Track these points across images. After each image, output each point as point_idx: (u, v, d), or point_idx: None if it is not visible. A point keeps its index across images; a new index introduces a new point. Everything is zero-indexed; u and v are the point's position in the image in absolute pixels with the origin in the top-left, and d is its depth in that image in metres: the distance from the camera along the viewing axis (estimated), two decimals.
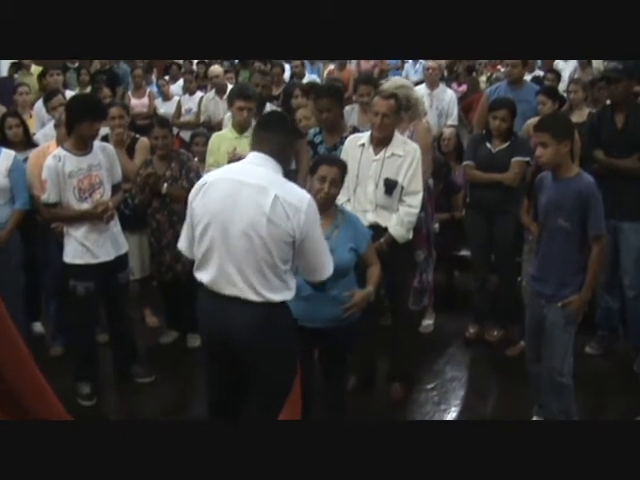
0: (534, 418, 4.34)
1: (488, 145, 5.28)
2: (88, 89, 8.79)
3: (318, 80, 9.82)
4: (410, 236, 4.52)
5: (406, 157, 4.41)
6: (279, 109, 5.80)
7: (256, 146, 3.21)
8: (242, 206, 3.03)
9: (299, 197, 3.05)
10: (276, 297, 3.09)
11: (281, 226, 2.99)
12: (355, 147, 4.49)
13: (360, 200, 4.46)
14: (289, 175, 5.27)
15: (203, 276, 3.19)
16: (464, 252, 5.96)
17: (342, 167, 3.72)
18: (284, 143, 3.20)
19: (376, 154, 4.43)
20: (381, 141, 4.42)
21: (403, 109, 4.73)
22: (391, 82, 5.46)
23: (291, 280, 3.15)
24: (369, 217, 4.41)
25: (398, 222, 4.41)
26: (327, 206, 3.68)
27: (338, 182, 3.68)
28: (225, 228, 3.06)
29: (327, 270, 3.20)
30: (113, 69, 10.09)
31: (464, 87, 9.57)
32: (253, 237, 3.01)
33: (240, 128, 5.12)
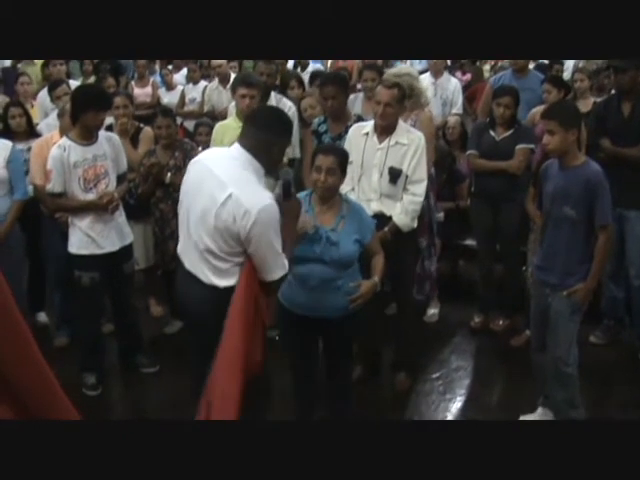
0: (539, 409, 4.35)
1: (492, 133, 5.26)
2: (91, 79, 8.77)
3: (322, 69, 9.80)
4: (415, 225, 4.51)
5: (410, 145, 4.39)
6: (284, 98, 5.76)
7: (240, 138, 3.21)
8: (201, 194, 3.15)
9: (253, 202, 3.00)
10: (221, 282, 3.14)
11: (227, 223, 3.03)
12: (359, 136, 4.47)
13: (364, 189, 4.44)
14: (293, 164, 5.30)
15: (178, 247, 3.41)
16: (469, 241, 5.96)
17: (340, 155, 3.64)
18: (266, 142, 3.14)
19: (380, 143, 4.41)
20: (385, 130, 4.39)
21: (406, 97, 4.71)
22: (396, 69, 5.44)
23: (238, 270, 3.13)
24: (373, 206, 4.39)
25: (402, 211, 4.40)
26: (329, 196, 3.65)
27: (336, 170, 3.59)
28: (188, 210, 3.25)
29: (272, 275, 3.14)
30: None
31: (468, 76, 9.54)
32: (204, 225, 3.12)
33: (243, 115, 5.08)
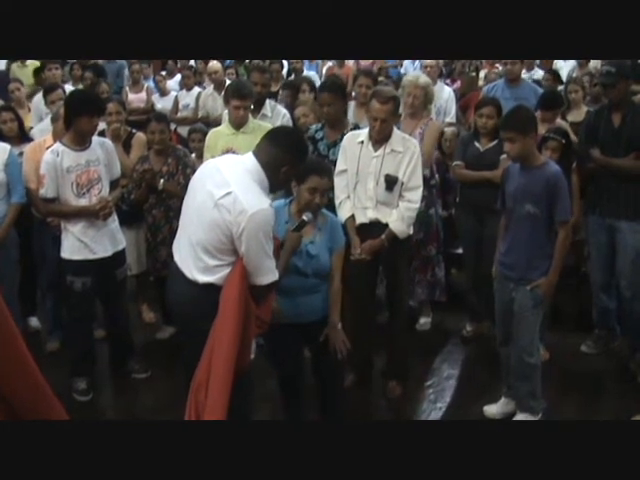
0: (502, 399, 4.49)
1: (476, 144, 5.28)
2: (81, 84, 8.74)
3: (316, 76, 9.81)
4: (410, 231, 4.54)
5: (406, 153, 4.41)
6: (279, 106, 5.76)
7: (255, 149, 3.27)
8: (203, 189, 3.20)
9: (252, 204, 3.05)
10: (202, 278, 3.18)
11: (223, 217, 3.07)
12: (354, 144, 4.48)
13: (360, 197, 4.46)
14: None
15: (173, 243, 3.46)
16: (460, 250, 5.96)
17: (331, 174, 3.75)
18: (278, 160, 3.20)
19: (376, 150, 4.42)
20: (380, 139, 4.41)
21: (427, 103, 5.03)
22: (420, 79, 5.40)
23: (224, 270, 3.16)
24: (369, 214, 4.43)
25: (399, 218, 4.41)
26: (316, 215, 3.70)
27: (328, 191, 3.71)
28: (188, 205, 3.32)
29: (262, 278, 3.17)
30: (97, 63, 9.97)
31: (458, 83, 9.53)
32: (200, 218, 3.17)
33: (236, 125, 5.10)
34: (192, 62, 11.12)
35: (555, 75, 8.03)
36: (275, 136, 3.32)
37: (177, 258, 3.33)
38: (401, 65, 11.28)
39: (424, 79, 5.38)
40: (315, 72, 10.63)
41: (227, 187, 3.10)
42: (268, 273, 3.18)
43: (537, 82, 7.69)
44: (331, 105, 4.84)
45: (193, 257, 3.20)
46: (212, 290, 3.14)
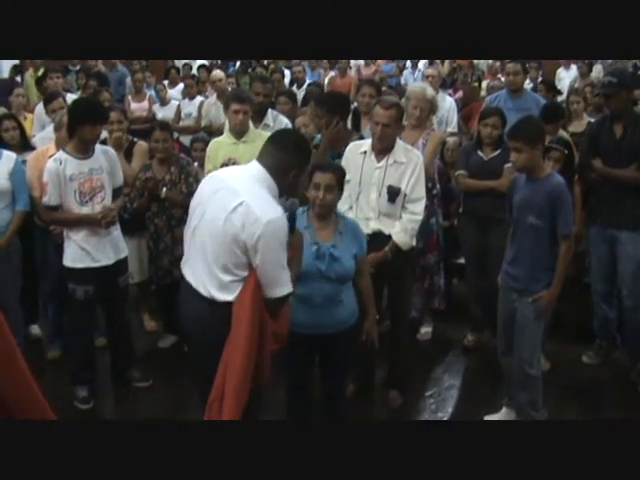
0: (503, 409, 4.51)
1: (480, 153, 5.28)
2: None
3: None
4: (414, 243, 4.54)
5: (409, 164, 4.40)
6: (280, 115, 5.77)
7: (259, 156, 3.22)
8: (212, 204, 3.14)
9: (265, 211, 3.00)
10: (220, 296, 3.10)
11: (236, 229, 3.01)
12: (357, 154, 4.47)
13: (363, 208, 4.45)
14: None
15: (182, 260, 3.38)
16: (462, 260, 5.96)
17: (337, 172, 3.66)
18: (285, 162, 3.14)
19: (378, 162, 4.42)
20: (383, 148, 4.42)
21: (432, 113, 5.08)
22: (428, 91, 5.39)
23: (239, 286, 3.09)
24: (372, 225, 4.42)
25: (402, 229, 4.40)
26: (326, 213, 3.69)
27: (334, 187, 3.63)
28: (198, 221, 3.20)
29: (277, 291, 3.09)
30: (100, 72, 10.02)
31: (460, 93, 9.57)
32: (213, 233, 3.10)
33: (237, 133, 5.10)
34: (194, 71, 11.16)
35: (549, 85, 8.07)
36: (279, 139, 3.26)
37: (190, 277, 3.24)
38: (401, 74, 11.33)
39: (431, 92, 5.37)
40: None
41: (238, 197, 3.03)
42: (283, 285, 3.09)
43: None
44: (320, 118, 4.89)
45: (208, 274, 3.12)
46: (230, 309, 3.07)
